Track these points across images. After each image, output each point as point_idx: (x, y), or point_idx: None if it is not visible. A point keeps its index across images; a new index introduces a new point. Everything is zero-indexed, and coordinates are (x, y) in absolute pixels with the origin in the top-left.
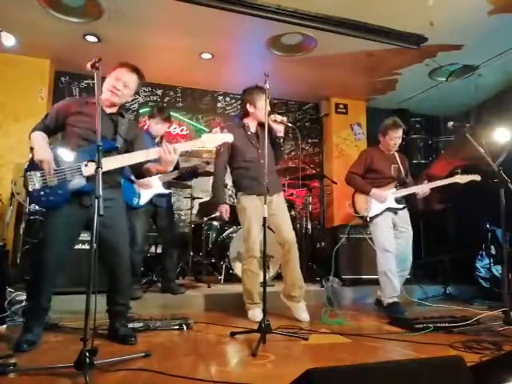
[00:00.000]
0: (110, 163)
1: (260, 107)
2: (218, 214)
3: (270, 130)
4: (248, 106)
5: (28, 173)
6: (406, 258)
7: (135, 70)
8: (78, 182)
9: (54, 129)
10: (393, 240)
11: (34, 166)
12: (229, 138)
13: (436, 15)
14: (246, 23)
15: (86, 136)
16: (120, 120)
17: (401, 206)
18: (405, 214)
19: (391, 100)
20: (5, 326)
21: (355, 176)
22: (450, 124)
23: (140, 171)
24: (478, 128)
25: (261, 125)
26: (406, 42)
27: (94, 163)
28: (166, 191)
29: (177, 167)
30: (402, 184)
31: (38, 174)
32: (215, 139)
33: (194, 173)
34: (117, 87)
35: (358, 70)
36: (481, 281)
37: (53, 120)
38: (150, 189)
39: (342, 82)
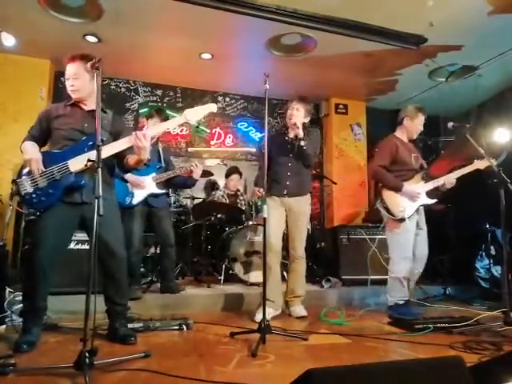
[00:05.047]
0: (92, 156)
1: (288, 113)
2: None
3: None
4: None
5: (18, 179)
6: (424, 257)
7: (73, 58)
8: (67, 180)
9: (41, 136)
10: (412, 246)
11: (23, 171)
12: (212, 107)
13: (436, 15)
14: (246, 23)
15: (71, 136)
16: (102, 115)
17: (433, 200)
18: (423, 211)
19: (391, 100)
20: (4, 327)
21: (384, 171)
22: (450, 124)
23: (123, 165)
24: (478, 128)
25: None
26: (405, 43)
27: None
28: (161, 191)
29: (192, 182)
30: (426, 175)
31: (27, 177)
32: (200, 112)
33: (187, 180)
34: (70, 84)
35: (357, 71)
36: (480, 281)
37: (37, 128)
38: (144, 189)
39: (341, 83)
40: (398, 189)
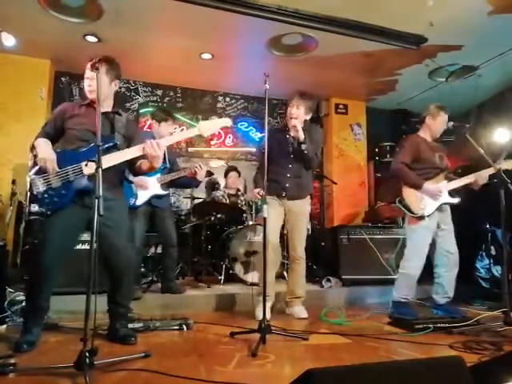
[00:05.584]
0: (105, 159)
1: (288, 111)
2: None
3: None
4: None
5: (32, 177)
6: (448, 257)
7: (93, 62)
8: (80, 182)
9: (55, 134)
10: (428, 246)
11: (37, 169)
12: (226, 122)
13: (436, 15)
14: (247, 23)
15: (84, 137)
16: (116, 118)
17: (455, 200)
18: (447, 208)
19: (391, 100)
20: (5, 326)
21: (405, 168)
22: (450, 124)
23: (134, 169)
24: (478, 128)
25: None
26: (405, 43)
27: (93, 163)
28: (164, 192)
29: (196, 183)
30: (450, 174)
31: (39, 176)
32: (213, 126)
33: (191, 181)
34: (88, 84)
35: (358, 71)
36: (481, 281)
37: (52, 126)
38: (148, 190)
39: (342, 83)
40: (418, 186)
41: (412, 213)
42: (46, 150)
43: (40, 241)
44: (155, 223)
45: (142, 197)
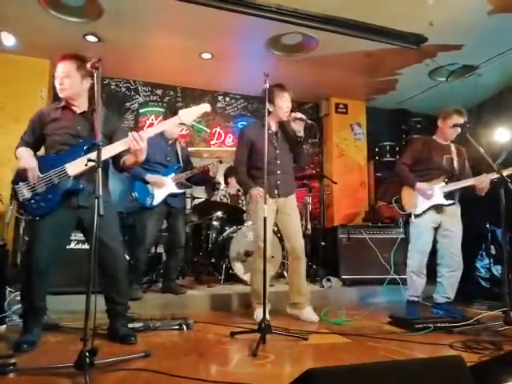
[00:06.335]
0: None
1: (279, 106)
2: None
3: (289, 129)
4: (268, 104)
5: (16, 185)
6: (453, 258)
7: (65, 57)
8: (66, 184)
9: (35, 142)
10: (430, 242)
11: (20, 177)
12: (206, 107)
13: (436, 15)
14: (246, 23)
15: (66, 141)
16: (94, 116)
17: (449, 201)
18: (454, 211)
19: (391, 100)
20: (4, 326)
21: (405, 168)
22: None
23: (119, 165)
24: (478, 128)
25: (281, 124)
26: (405, 42)
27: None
28: (180, 191)
29: (209, 179)
30: (453, 177)
31: (24, 183)
32: (193, 112)
33: (204, 177)
34: (59, 83)
35: (358, 70)
36: (481, 281)
37: (30, 134)
38: (163, 189)
39: (342, 82)
40: (412, 185)
41: (403, 211)
42: (26, 158)
43: (30, 242)
44: (168, 223)
45: (159, 196)
